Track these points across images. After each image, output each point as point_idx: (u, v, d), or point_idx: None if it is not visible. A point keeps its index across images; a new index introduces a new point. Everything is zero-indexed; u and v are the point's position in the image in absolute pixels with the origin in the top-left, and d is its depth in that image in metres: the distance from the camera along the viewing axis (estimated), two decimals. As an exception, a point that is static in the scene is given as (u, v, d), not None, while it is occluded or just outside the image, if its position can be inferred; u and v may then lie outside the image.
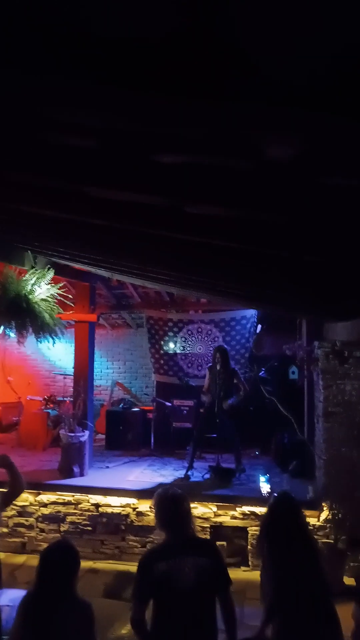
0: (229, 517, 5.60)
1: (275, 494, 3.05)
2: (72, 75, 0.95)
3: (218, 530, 5.57)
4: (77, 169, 1.45)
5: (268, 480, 5.65)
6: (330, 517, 5.22)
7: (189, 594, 2.39)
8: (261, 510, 5.49)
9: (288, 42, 0.83)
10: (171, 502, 2.65)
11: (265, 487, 5.57)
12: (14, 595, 4.74)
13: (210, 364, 6.75)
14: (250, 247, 1.94)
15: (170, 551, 2.51)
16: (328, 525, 5.23)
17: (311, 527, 4.76)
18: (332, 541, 5.09)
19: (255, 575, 4.99)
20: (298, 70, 0.88)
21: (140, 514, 5.73)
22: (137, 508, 5.75)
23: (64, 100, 1.01)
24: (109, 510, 5.78)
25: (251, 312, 7.86)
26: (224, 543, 5.46)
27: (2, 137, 1.40)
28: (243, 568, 5.37)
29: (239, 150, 1.09)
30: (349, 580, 5.03)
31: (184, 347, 8.35)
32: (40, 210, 2.19)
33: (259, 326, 7.87)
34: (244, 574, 5.17)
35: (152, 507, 2.74)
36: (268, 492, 5.45)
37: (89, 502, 5.86)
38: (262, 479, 5.68)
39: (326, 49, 0.83)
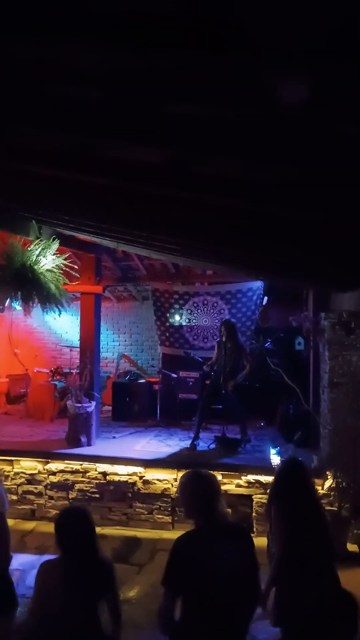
0: (234, 485, 5.68)
1: (284, 459, 3.06)
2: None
3: (224, 497, 5.65)
4: (82, 122, 1.42)
5: (278, 452, 5.70)
6: (334, 485, 5.28)
7: (225, 583, 2.24)
8: (266, 478, 5.57)
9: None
10: (204, 485, 2.43)
11: (275, 459, 5.63)
12: (23, 560, 4.89)
13: (218, 339, 6.75)
14: (258, 207, 1.90)
15: (204, 538, 2.34)
16: (332, 493, 5.30)
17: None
18: (335, 509, 5.16)
19: (260, 541, 5.07)
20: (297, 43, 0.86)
21: (146, 482, 5.82)
22: (144, 476, 5.84)
23: (71, 45, 0.98)
24: (116, 478, 5.88)
25: (257, 284, 7.82)
26: (229, 510, 5.55)
27: (4, 93, 1.36)
28: (248, 534, 5.47)
29: (248, 96, 1.06)
30: (351, 547, 5.12)
31: (189, 319, 8.35)
32: (44, 170, 2.16)
33: (265, 298, 7.84)
34: (249, 540, 5.26)
35: (179, 491, 2.55)
36: (278, 464, 5.51)
37: (96, 470, 5.95)
38: (272, 451, 5.73)
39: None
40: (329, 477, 5.39)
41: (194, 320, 8.34)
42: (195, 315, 8.32)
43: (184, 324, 8.40)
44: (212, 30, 0.90)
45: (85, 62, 1.08)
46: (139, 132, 1.36)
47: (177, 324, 8.44)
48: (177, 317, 8.43)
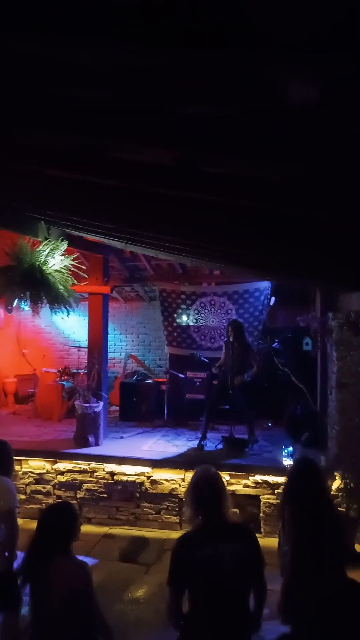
0: (241, 485, 5.67)
1: (297, 458, 3.05)
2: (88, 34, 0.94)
3: (231, 498, 5.65)
4: (92, 123, 1.43)
5: (290, 453, 5.69)
6: (342, 486, 5.27)
7: (227, 581, 2.29)
8: (274, 479, 5.56)
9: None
10: (210, 483, 2.47)
11: (287, 460, 5.62)
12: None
13: (226, 339, 6.75)
14: (267, 206, 1.91)
15: (207, 537, 2.36)
16: (340, 494, 5.28)
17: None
18: (343, 509, 5.14)
19: (268, 541, 5.09)
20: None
21: (154, 482, 5.83)
22: (152, 476, 5.85)
23: (79, 45, 0.99)
24: (124, 478, 5.89)
25: (265, 284, 7.81)
26: (237, 510, 5.55)
27: (15, 94, 1.38)
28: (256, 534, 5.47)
29: (256, 95, 1.07)
30: (359, 548, 5.10)
31: (196, 319, 8.36)
32: (54, 172, 2.18)
33: (273, 298, 7.83)
34: (257, 541, 5.26)
35: (188, 489, 2.56)
36: (287, 467, 5.50)
37: (104, 470, 5.97)
38: (284, 452, 5.72)
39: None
40: (337, 477, 5.37)
41: (201, 321, 8.34)
42: (202, 315, 8.33)
43: (191, 324, 8.41)
44: (218, 25, 0.90)
45: (93, 62, 1.09)
46: (148, 133, 1.37)
47: (184, 324, 8.45)
48: (184, 318, 8.43)
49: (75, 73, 1.14)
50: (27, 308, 5.52)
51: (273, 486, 5.58)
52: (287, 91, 0.98)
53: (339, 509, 5.18)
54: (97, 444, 6.37)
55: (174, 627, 2.40)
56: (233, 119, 1.21)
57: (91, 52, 1.05)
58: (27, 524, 5.80)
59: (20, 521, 4.02)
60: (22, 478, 6.16)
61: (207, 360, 7.51)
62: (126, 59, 1.06)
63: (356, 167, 1.22)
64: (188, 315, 8.40)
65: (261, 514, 5.57)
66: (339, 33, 0.86)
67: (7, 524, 3.20)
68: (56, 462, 6.12)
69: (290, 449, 5.75)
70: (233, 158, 1.39)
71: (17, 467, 6.20)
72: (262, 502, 5.59)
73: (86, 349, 7.09)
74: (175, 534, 5.51)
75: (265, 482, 5.59)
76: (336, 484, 5.36)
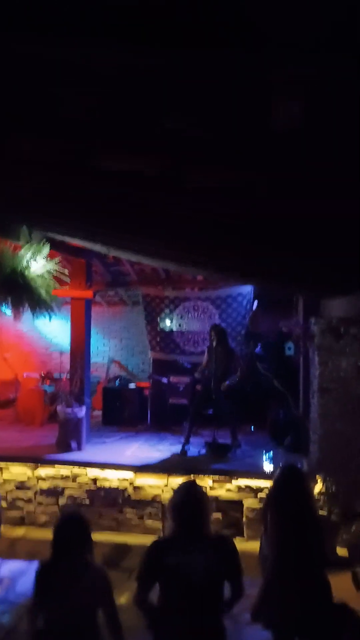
0: (224, 490, 5.69)
1: (282, 465, 3.08)
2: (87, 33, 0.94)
3: (214, 503, 5.66)
4: (78, 131, 1.43)
5: (271, 458, 5.72)
6: (324, 490, 5.32)
7: (197, 588, 2.34)
8: (256, 483, 5.59)
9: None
10: (193, 502, 2.50)
11: (268, 465, 5.65)
12: (13, 567, 4.86)
13: (209, 344, 6.77)
14: (248, 216, 1.93)
15: (182, 545, 2.42)
16: (322, 497, 5.33)
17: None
18: (325, 513, 5.19)
19: (250, 545, 5.11)
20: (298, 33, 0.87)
21: (137, 487, 5.81)
22: (134, 482, 5.83)
23: (74, 47, 0.99)
24: (107, 484, 5.86)
25: (247, 289, 7.85)
26: (220, 515, 5.56)
27: (6, 100, 1.37)
28: (238, 539, 5.48)
29: (245, 111, 1.08)
30: (341, 551, 5.15)
31: (180, 324, 8.37)
32: (38, 177, 2.17)
33: (255, 303, 7.88)
34: (239, 545, 5.19)
35: (170, 501, 2.62)
36: (271, 470, 5.53)
37: (86, 476, 5.93)
38: (264, 457, 5.75)
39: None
40: (318, 481, 5.42)
41: (184, 325, 8.35)
42: (185, 320, 8.34)
43: (174, 329, 8.41)
44: (218, 24, 0.90)
45: (90, 62, 1.09)
46: (134, 143, 1.37)
47: (167, 329, 8.45)
48: (167, 322, 8.43)
49: (64, 75, 1.14)
50: (8, 312, 5.46)
51: (256, 491, 5.61)
52: (272, 110, 0.99)
53: (320, 512, 5.22)
54: (79, 449, 6.33)
55: (143, 615, 2.50)
56: (219, 132, 1.22)
57: (90, 52, 1.04)
58: (9, 531, 5.75)
59: (1, 528, 3.98)
60: (2, 484, 6.08)
61: (189, 366, 7.52)
62: (124, 59, 1.05)
63: (340, 179, 1.25)
64: (171, 320, 8.40)
65: (244, 519, 5.59)
66: (339, 33, 0.86)
67: None
68: (38, 468, 6.06)
69: (271, 453, 5.79)
70: (217, 168, 1.40)
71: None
72: (245, 507, 5.61)
73: (69, 354, 7.05)
74: (158, 540, 5.49)
75: (248, 486, 5.62)
76: (318, 487, 5.41)
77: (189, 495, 2.54)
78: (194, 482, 2.76)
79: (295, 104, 0.96)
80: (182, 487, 2.65)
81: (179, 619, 2.37)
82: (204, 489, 2.72)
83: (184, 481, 2.74)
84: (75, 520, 2.68)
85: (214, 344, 6.43)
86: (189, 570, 2.33)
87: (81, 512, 2.88)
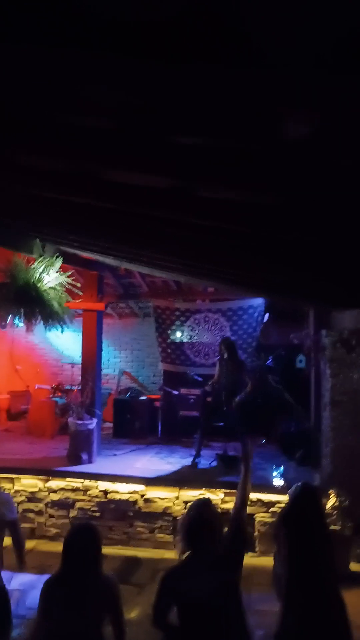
0: (236, 504, 5.64)
1: (299, 483, 3.05)
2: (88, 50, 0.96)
3: (225, 516, 5.61)
4: (90, 149, 1.46)
5: (282, 474, 5.67)
6: (337, 504, 5.25)
7: (216, 612, 2.33)
8: (268, 497, 5.54)
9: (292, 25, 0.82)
10: (203, 524, 2.47)
11: (278, 480, 5.60)
12: (23, 580, 4.84)
13: (219, 356, 6.76)
14: (261, 231, 1.94)
15: (195, 570, 2.41)
16: (334, 512, 5.26)
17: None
18: (338, 528, 5.12)
19: (262, 561, 5.06)
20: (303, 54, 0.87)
21: (147, 500, 5.78)
22: (145, 495, 5.80)
23: (82, 75, 1.02)
24: (117, 496, 5.84)
25: (258, 301, 7.85)
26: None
27: (17, 118, 1.41)
28: (250, 554, 5.42)
29: (254, 127, 1.10)
30: (355, 567, 5.07)
31: (190, 336, 8.37)
32: (50, 194, 2.20)
33: (267, 315, 7.87)
34: (251, 560, 5.21)
35: (182, 521, 2.61)
36: (281, 485, 5.48)
37: (97, 488, 5.92)
38: (276, 470, 5.70)
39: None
40: (331, 496, 5.36)
41: (195, 337, 8.35)
42: (196, 332, 8.34)
43: (185, 340, 8.41)
44: (221, 44, 0.91)
45: (95, 90, 1.12)
46: (145, 160, 1.40)
47: (178, 341, 8.46)
48: (178, 334, 8.44)
49: (77, 102, 1.17)
50: (21, 324, 5.52)
51: (267, 504, 5.56)
52: (282, 122, 1.01)
53: (333, 527, 5.16)
54: (90, 462, 6.33)
55: (163, 636, 2.51)
56: (231, 150, 1.24)
57: (94, 79, 1.07)
58: (19, 544, 5.74)
59: (8, 540, 3.99)
60: (14, 496, 6.09)
61: (200, 379, 7.51)
62: (129, 77, 1.07)
63: (348, 195, 1.26)
64: (182, 332, 8.41)
65: (256, 533, 5.53)
66: (343, 51, 0.87)
67: (15, 534, 3.35)
68: (49, 480, 6.07)
69: (282, 468, 5.74)
70: (227, 185, 1.42)
71: (9, 485, 6.14)
72: (256, 521, 5.55)
73: (80, 365, 7.08)
74: (169, 554, 5.45)
75: (260, 500, 5.57)
76: (330, 502, 5.34)
77: (203, 516, 2.52)
78: (207, 501, 2.74)
79: (305, 126, 0.98)
80: (195, 505, 2.64)
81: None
82: (216, 507, 2.70)
83: (197, 499, 2.73)
84: (86, 531, 2.69)
85: (225, 356, 6.43)
86: (203, 595, 2.32)
87: (92, 523, 2.88)
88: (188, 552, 2.48)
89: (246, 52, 0.91)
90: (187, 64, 0.99)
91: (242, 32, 0.86)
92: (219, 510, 5.61)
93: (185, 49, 0.94)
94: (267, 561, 3.29)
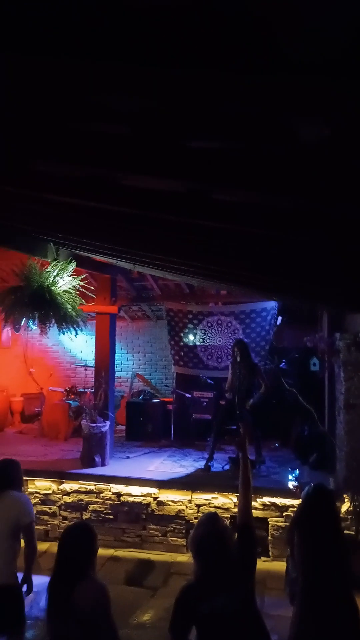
0: (249, 507, 5.61)
1: (311, 485, 3.01)
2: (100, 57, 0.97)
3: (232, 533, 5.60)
4: (105, 155, 1.47)
5: (297, 478, 5.64)
6: (351, 509, 5.21)
7: (240, 626, 2.28)
8: (282, 501, 5.50)
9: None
10: (214, 539, 2.40)
11: (293, 485, 5.56)
12: (37, 582, 4.85)
13: (232, 359, 6.75)
14: (277, 234, 1.94)
15: (212, 588, 2.32)
16: (349, 517, 5.22)
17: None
18: (352, 533, 5.08)
19: (275, 565, 5.03)
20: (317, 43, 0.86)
21: (160, 503, 5.78)
22: (158, 497, 5.80)
23: (97, 83, 1.03)
24: (130, 499, 5.85)
25: (271, 304, 7.82)
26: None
27: (35, 125, 1.42)
28: (263, 558, 5.39)
29: (271, 132, 1.10)
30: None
31: (203, 339, 8.36)
32: (67, 199, 2.22)
33: (280, 318, 7.84)
34: (265, 564, 5.19)
35: (192, 538, 2.54)
36: (296, 487, 5.44)
37: (110, 491, 5.94)
38: (290, 476, 5.66)
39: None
40: (346, 500, 5.31)
41: (207, 340, 8.34)
42: (209, 335, 8.33)
43: (198, 343, 8.41)
44: (235, 45, 0.91)
45: (109, 96, 1.13)
46: (161, 165, 1.40)
47: (191, 344, 8.46)
48: (191, 337, 8.44)
49: (94, 109, 1.18)
50: (35, 327, 5.56)
51: (281, 508, 5.53)
52: (297, 126, 1.01)
53: (348, 532, 5.11)
54: (103, 464, 6.35)
55: None
56: (246, 153, 1.24)
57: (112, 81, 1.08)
58: (33, 546, 5.77)
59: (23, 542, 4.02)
60: (28, 498, 6.12)
61: (212, 382, 7.49)
62: (142, 83, 1.07)
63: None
64: (195, 335, 8.41)
65: (269, 537, 5.51)
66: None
67: (29, 537, 3.35)
68: (62, 483, 6.10)
69: (297, 472, 5.69)
70: (244, 189, 1.42)
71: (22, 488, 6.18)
72: (270, 525, 5.53)
73: (93, 368, 7.11)
74: (181, 557, 5.45)
75: (274, 504, 5.54)
76: (345, 506, 5.30)
77: (212, 531, 2.47)
78: (214, 515, 2.71)
79: (321, 131, 0.98)
80: (204, 521, 2.59)
81: None
82: (224, 520, 2.68)
83: (205, 514, 2.69)
84: (80, 532, 2.64)
85: (238, 359, 6.41)
86: (225, 614, 2.27)
87: (88, 524, 2.85)
88: (202, 569, 2.43)
89: (261, 54, 0.91)
90: (200, 69, 0.99)
91: (257, 33, 0.86)
92: (232, 514, 5.60)
93: (198, 51, 0.94)
94: (281, 566, 3.27)
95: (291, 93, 0.99)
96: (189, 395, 7.84)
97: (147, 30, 0.91)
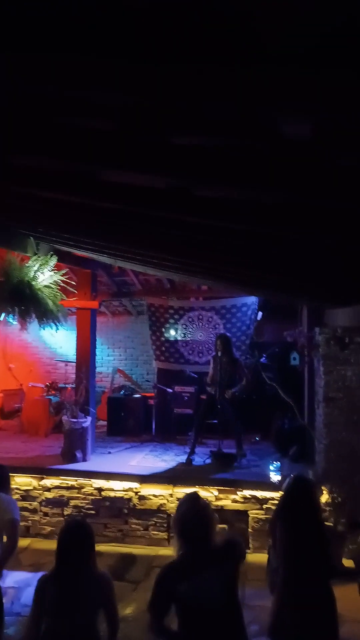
0: (230, 500, 5.67)
1: (292, 476, 3.06)
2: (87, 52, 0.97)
3: (219, 513, 5.61)
4: (91, 151, 1.46)
5: (278, 469, 5.70)
6: (330, 500, 5.30)
7: (217, 610, 2.29)
8: (262, 494, 5.57)
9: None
10: (196, 517, 2.42)
11: (275, 476, 5.62)
12: (18, 578, 4.84)
13: (214, 353, 6.78)
14: (257, 229, 1.96)
15: (192, 568, 2.34)
16: (328, 508, 5.31)
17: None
18: (331, 524, 5.17)
19: (256, 557, 5.09)
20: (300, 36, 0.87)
21: (142, 497, 5.80)
22: (140, 492, 5.82)
23: (81, 78, 1.03)
24: (112, 494, 5.86)
25: (252, 299, 7.88)
26: (225, 526, 5.54)
27: (15, 119, 1.41)
28: (244, 550, 5.45)
29: (254, 127, 1.11)
30: (347, 562, 5.11)
31: (184, 334, 8.38)
32: (48, 194, 2.21)
33: (260, 313, 7.90)
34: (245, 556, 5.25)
35: (175, 518, 2.57)
36: (278, 480, 5.51)
37: (92, 486, 5.93)
38: (271, 467, 5.73)
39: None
40: (324, 492, 5.40)
41: (189, 335, 8.37)
42: (190, 330, 8.35)
43: (179, 338, 8.43)
44: (221, 37, 0.91)
45: (91, 91, 1.13)
46: (143, 161, 1.41)
47: (172, 339, 8.47)
48: (172, 332, 8.45)
49: (75, 104, 1.18)
50: (14, 322, 5.51)
51: (262, 501, 5.59)
52: (281, 123, 1.02)
53: (326, 523, 5.20)
54: (84, 460, 6.33)
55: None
56: (229, 149, 1.25)
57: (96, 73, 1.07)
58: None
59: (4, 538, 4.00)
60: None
61: (196, 376, 7.52)
62: (125, 78, 1.07)
63: (345, 194, 1.28)
64: (176, 330, 8.42)
65: (250, 530, 5.57)
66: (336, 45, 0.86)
67: (9, 534, 3.34)
68: (43, 479, 6.06)
69: (278, 464, 5.77)
70: (225, 184, 1.43)
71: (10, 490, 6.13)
72: (250, 518, 5.59)
73: (74, 364, 7.07)
74: (163, 551, 5.47)
75: (254, 497, 5.60)
76: (324, 498, 5.38)
77: (193, 508, 2.49)
78: (196, 494, 2.74)
79: (304, 126, 0.99)
80: (186, 500, 2.62)
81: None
82: (207, 500, 2.71)
83: (187, 494, 2.72)
84: (79, 528, 2.70)
85: (219, 353, 6.45)
86: (204, 595, 2.28)
87: (85, 520, 2.90)
88: (184, 549, 2.46)
89: (243, 46, 0.91)
90: (183, 64, 0.99)
91: (240, 25, 0.86)
92: (213, 507, 5.64)
93: (179, 45, 0.94)
94: (262, 557, 3.32)
95: (272, 85, 0.99)
96: (171, 390, 7.86)
97: (126, 25, 0.92)
